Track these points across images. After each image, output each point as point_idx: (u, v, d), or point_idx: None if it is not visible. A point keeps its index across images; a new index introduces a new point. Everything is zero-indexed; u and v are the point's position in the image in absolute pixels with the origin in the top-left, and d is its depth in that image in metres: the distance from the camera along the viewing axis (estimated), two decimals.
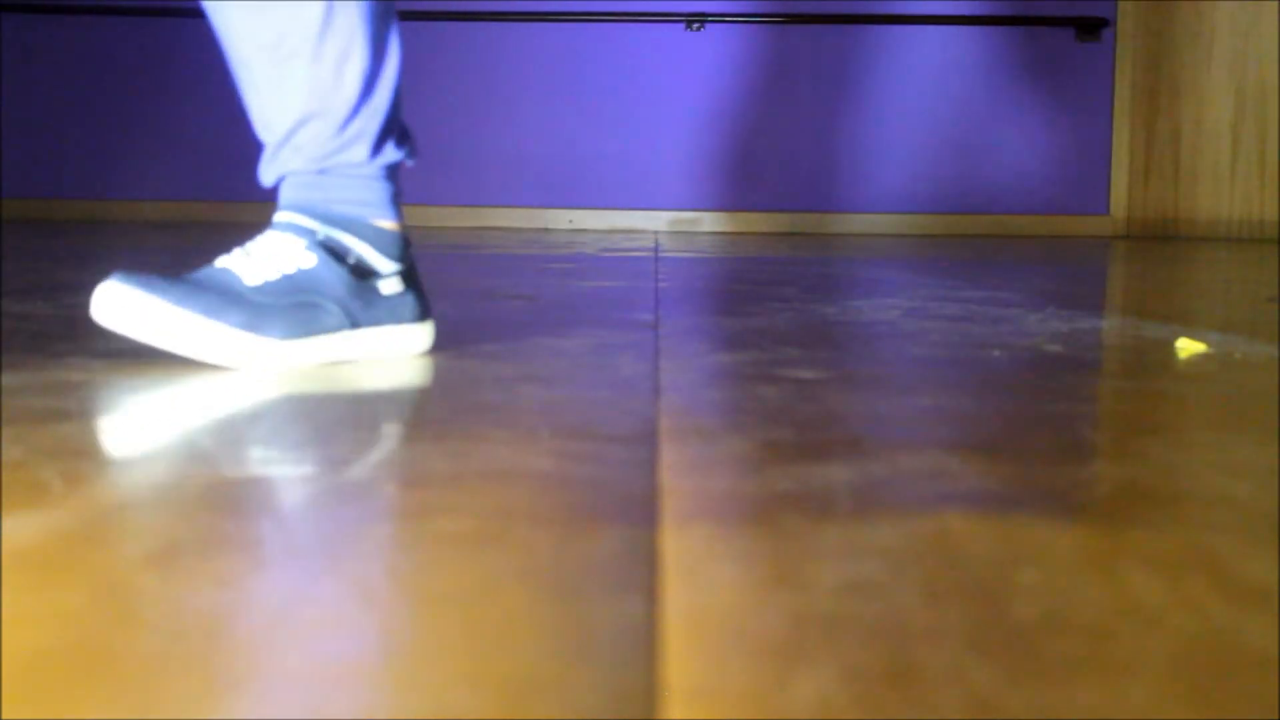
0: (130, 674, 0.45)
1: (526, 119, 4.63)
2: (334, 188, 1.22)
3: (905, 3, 4.60)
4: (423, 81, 4.33)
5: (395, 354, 1.24)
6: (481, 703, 0.43)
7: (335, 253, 1.20)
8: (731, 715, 0.42)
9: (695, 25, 4.61)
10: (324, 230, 1.21)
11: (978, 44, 4.63)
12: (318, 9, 1.17)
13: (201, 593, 0.54)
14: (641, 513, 0.68)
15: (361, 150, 1.22)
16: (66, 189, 4.68)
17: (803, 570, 0.58)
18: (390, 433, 0.94)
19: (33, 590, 0.54)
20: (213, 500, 0.70)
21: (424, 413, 1.06)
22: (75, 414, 0.96)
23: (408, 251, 1.26)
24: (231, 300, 1.14)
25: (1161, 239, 4.51)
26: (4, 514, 0.66)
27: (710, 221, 4.66)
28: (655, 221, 4.64)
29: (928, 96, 4.63)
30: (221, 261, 1.19)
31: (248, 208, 4.85)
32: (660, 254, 3.10)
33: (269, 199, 1.27)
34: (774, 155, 4.66)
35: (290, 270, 1.18)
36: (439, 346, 1.28)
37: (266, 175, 1.24)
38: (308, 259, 1.19)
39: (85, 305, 1.15)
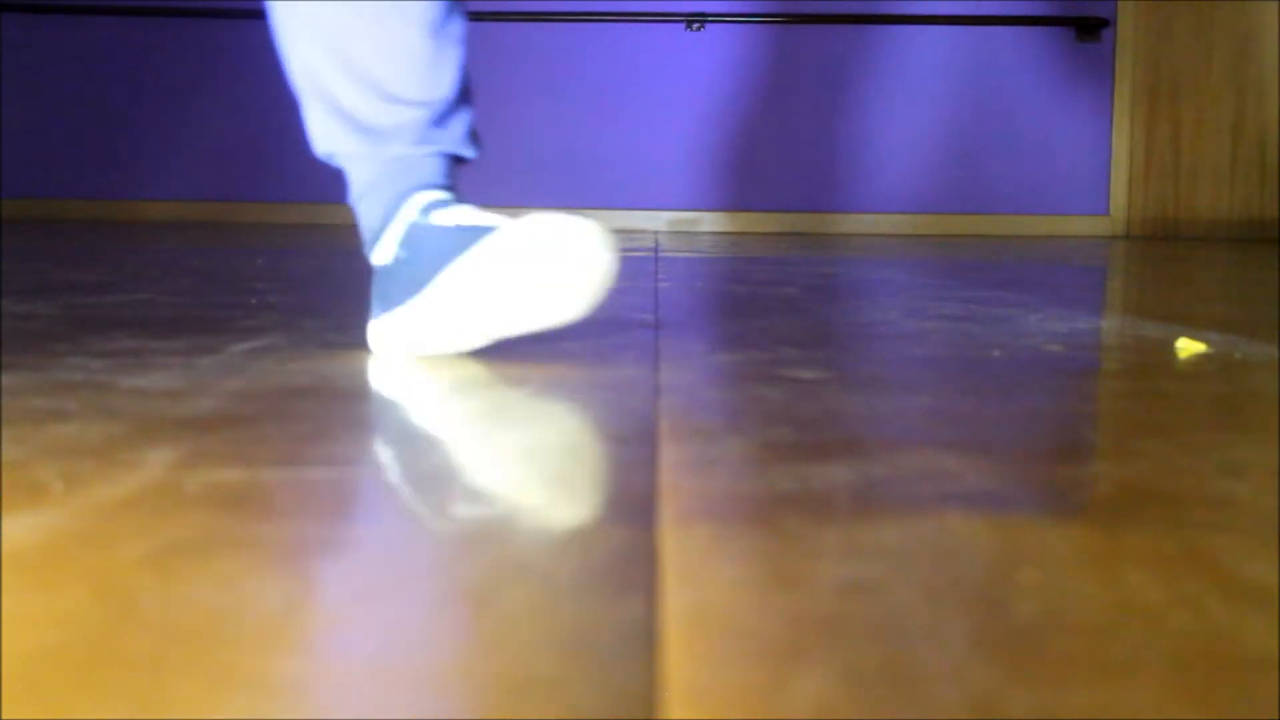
0: (130, 674, 0.45)
1: (526, 119, 4.63)
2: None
3: (905, 3, 4.60)
4: None
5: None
6: (481, 702, 0.43)
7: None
8: (731, 715, 0.42)
9: (695, 25, 4.60)
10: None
11: (978, 44, 4.63)
12: None
13: (201, 593, 0.54)
14: (641, 513, 0.68)
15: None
16: (67, 189, 4.67)
17: (803, 570, 0.58)
18: (390, 433, 0.94)
19: (33, 590, 0.54)
20: (213, 500, 0.70)
21: (424, 413, 1.06)
22: (75, 414, 0.96)
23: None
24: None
25: (1161, 239, 4.51)
26: (4, 514, 0.66)
27: (710, 221, 4.66)
28: (655, 221, 4.64)
29: (928, 96, 4.63)
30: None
31: (250, 208, 4.87)
32: (660, 254, 3.10)
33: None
34: (774, 155, 4.65)
35: None
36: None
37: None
38: None
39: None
